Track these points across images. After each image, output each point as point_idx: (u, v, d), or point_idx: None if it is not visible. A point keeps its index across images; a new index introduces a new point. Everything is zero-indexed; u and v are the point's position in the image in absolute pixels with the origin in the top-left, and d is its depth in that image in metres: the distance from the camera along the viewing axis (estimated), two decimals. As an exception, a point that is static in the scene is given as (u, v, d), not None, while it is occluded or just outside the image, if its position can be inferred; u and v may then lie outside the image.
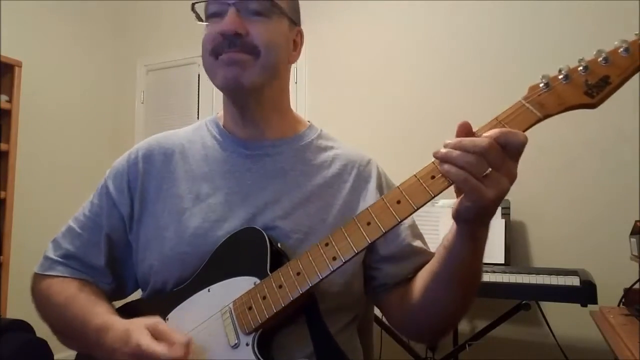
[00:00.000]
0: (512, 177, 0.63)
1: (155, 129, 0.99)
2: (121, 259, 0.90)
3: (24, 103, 2.81)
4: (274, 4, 0.84)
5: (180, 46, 3.30)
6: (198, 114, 3.30)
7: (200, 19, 0.86)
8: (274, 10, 0.84)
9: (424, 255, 0.88)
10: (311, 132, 0.95)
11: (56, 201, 3.00)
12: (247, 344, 0.72)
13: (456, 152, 0.62)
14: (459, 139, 0.63)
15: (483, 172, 0.62)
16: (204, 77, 3.27)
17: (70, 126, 3.35)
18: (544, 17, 2.42)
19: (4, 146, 2.71)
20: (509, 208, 2.24)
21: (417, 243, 0.89)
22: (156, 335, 0.70)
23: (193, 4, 0.85)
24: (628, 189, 2.15)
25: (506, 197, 2.27)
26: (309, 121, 0.99)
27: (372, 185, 0.90)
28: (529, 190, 2.31)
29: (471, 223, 0.68)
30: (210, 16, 0.84)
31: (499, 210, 2.22)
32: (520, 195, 2.28)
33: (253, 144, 0.89)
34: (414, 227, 0.91)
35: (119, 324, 0.75)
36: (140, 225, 0.88)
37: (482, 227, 0.69)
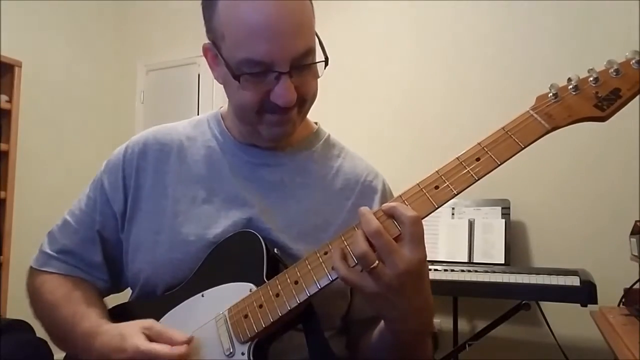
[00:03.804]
0: (397, 271, 0.59)
1: (155, 129, 0.96)
2: (116, 255, 0.87)
3: (24, 103, 2.81)
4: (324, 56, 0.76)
5: (180, 46, 3.29)
6: (198, 114, 3.28)
7: (235, 75, 0.72)
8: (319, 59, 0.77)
9: None
10: (316, 138, 0.91)
11: (56, 201, 2.99)
12: (243, 353, 0.70)
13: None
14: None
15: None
16: (204, 77, 3.27)
17: (70, 126, 3.35)
18: (551, 18, 2.42)
19: (4, 146, 2.71)
20: (509, 208, 2.24)
21: None
22: (154, 336, 0.69)
23: (238, 72, 0.72)
24: (628, 189, 2.14)
25: (506, 197, 2.27)
26: (316, 122, 0.94)
27: (376, 208, 0.86)
28: (529, 190, 2.31)
29: (389, 323, 0.68)
30: (251, 74, 0.72)
31: (499, 210, 2.22)
32: (520, 195, 2.28)
33: (253, 150, 0.86)
34: None
35: (110, 329, 0.73)
36: (132, 224, 0.85)
37: (405, 333, 0.68)
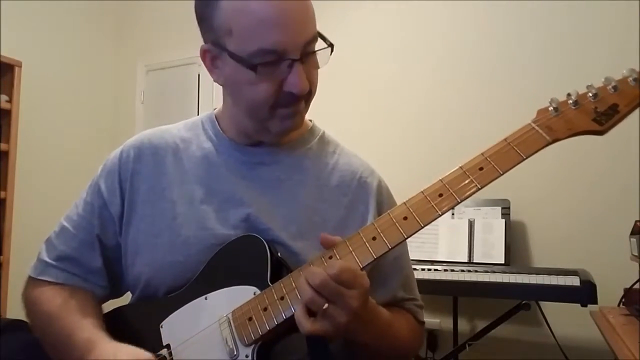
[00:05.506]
0: (349, 310, 0.64)
1: (155, 129, 0.96)
2: (115, 259, 0.87)
3: (24, 103, 2.81)
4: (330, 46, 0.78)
5: (180, 46, 3.28)
6: (198, 114, 3.28)
7: (252, 66, 0.73)
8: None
9: (396, 309, 0.86)
10: (312, 135, 0.92)
11: (56, 201, 2.99)
12: (247, 356, 0.70)
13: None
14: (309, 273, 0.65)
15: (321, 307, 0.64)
16: (204, 77, 3.27)
17: (70, 126, 3.35)
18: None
19: (4, 146, 2.71)
20: (509, 208, 2.24)
21: (401, 293, 0.88)
22: None
23: (253, 61, 0.73)
24: (628, 189, 2.14)
25: (506, 197, 2.26)
26: (310, 120, 0.95)
27: (372, 204, 0.86)
28: (529, 190, 2.30)
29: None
30: (264, 64, 0.73)
31: (499, 210, 2.23)
32: (520, 195, 2.28)
33: (249, 150, 0.86)
34: (405, 269, 0.90)
35: (106, 347, 0.72)
36: (129, 228, 0.85)
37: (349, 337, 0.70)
